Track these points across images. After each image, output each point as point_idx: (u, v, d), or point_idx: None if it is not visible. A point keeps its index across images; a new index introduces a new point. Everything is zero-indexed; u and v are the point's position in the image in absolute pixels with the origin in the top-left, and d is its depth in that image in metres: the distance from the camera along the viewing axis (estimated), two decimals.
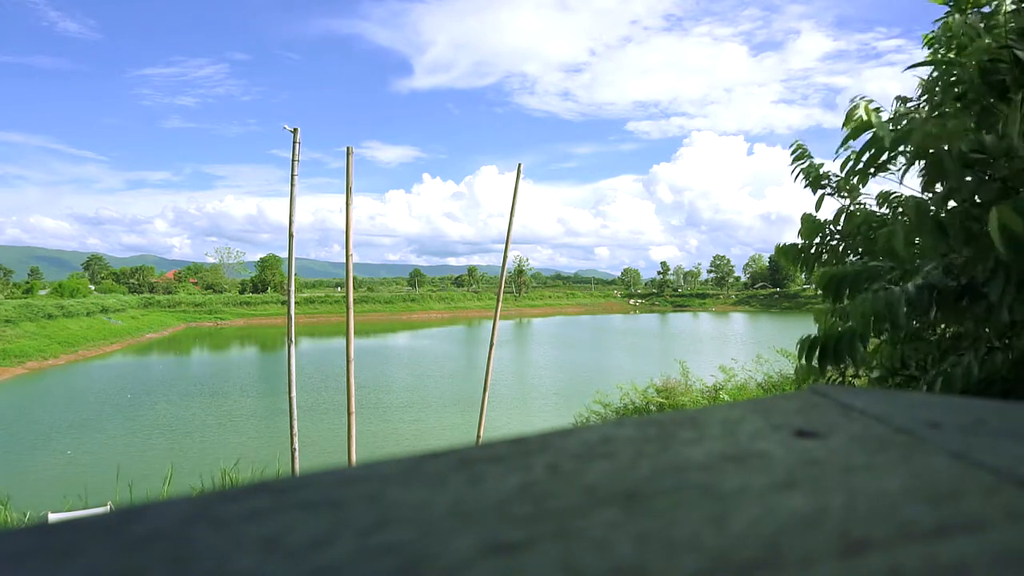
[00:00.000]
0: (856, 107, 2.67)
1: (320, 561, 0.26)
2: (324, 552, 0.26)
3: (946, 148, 2.32)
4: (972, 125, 2.47)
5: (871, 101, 2.66)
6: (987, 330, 2.51)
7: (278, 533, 0.28)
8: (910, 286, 2.41)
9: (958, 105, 2.52)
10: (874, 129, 2.52)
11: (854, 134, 2.67)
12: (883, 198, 3.11)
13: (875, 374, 3.06)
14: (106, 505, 9.34)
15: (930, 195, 2.68)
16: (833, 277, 2.78)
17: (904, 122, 2.53)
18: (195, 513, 0.30)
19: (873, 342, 2.98)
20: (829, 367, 2.67)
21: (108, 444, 17.70)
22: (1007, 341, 2.48)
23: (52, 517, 7.66)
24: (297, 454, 5.61)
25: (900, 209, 2.88)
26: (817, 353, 2.63)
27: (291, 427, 5.58)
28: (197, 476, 11.09)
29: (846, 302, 2.74)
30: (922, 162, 2.60)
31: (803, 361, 2.70)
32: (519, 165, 6.86)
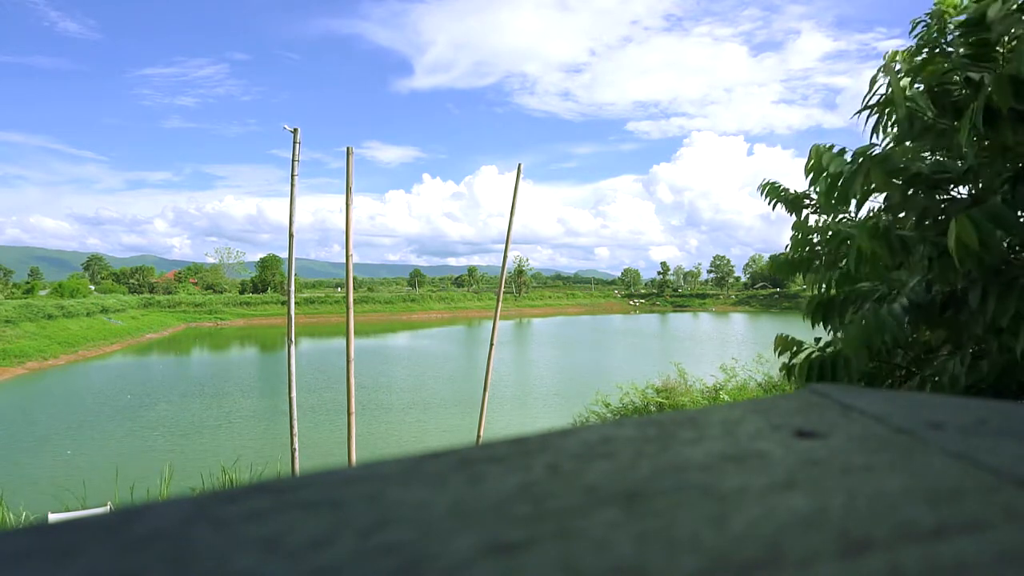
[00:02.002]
0: (814, 151, 2.82)
1: (320, 561, 0.26)
2: (324, 552, 0.26)
3: (901, 176, 2.42)
4: (927, 150, 2.58)
5: (832, 146, 2.79)
6: (967, 337, 2.57)
7: (278, 533, 0.28)
8: (896, 307, 2.49)
9: (902, 132, 2.64)
10: (829, 170, 2.67)
11: (814, 179, 2.82)
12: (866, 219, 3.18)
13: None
14: (106, 505, 9.34)
15: (891, 216, 2.80)
16: (820, 304, 2.86)
17: (858, 159, 2.63)
18: (195, 513, 0.30)
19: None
20: None
21: (108, 444, 17.71)
22: (982, 346, 2.54)
23: (52, 517, 7.66)
24: (297, 454, 5.60)
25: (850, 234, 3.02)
26: (816, 374, 2.76)
27: (291, 427, 5.57)
28: (197, 476, 11.09)
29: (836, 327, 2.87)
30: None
31: (795, 379, 2.84)
32: (519, 165, 6.85)
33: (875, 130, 2.72)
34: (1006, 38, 2.14)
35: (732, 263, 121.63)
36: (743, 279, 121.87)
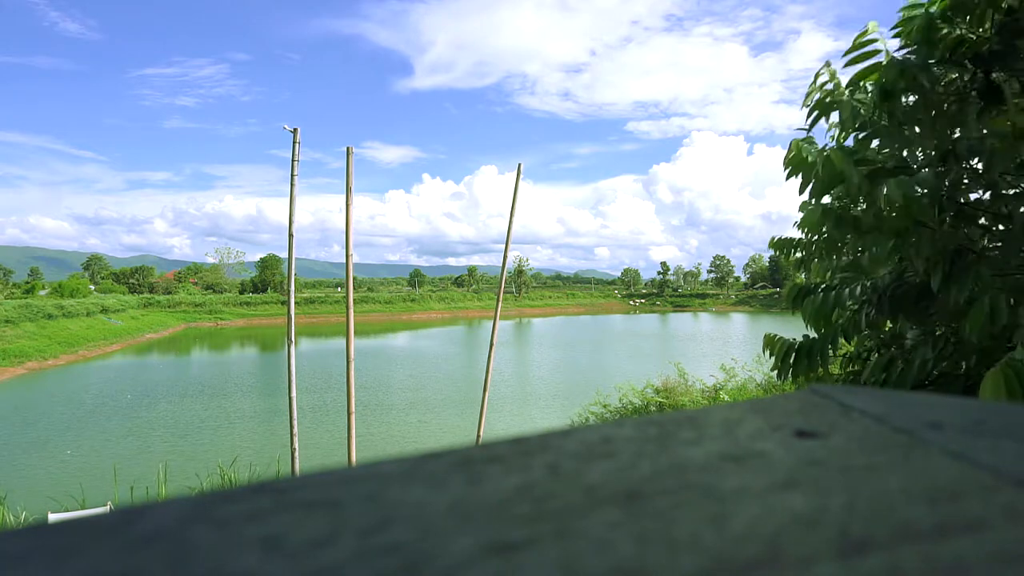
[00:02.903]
0: (792, 146, 3.03)
1: (320, 561, 0.26)
2: (324, 552, 0.26)
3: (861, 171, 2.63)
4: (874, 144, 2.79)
5: (810, 139, 2.98)
6: (938, 324, 2.71)
7: (278, 533, 0.28)
8: (858, 289, 2.70)
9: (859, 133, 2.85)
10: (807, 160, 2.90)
11: (794, 171, 2.98)
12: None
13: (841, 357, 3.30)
14: (106, 505, 9.33)
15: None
16: (802, 289, 3.00)
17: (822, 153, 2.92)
18: (195, 513, 0.30)
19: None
20: (802, 367, 2.96)
21: (108, 444, 17.70)
22: (953, 337, 2.64)
23: (52, 517, 7.65)
24: (297, 454, 5.60)
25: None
26: (792, 358, 2.93)
27: (291, 427, 5.57)
28: (197, 477, 11.09)
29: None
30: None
31: (777, 365, 3.00)
32: (519, 165, 6.85)
33: (813, 125, 2.95)
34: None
35: (732, 263, 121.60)
36: (743, 279, 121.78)
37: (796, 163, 2.86)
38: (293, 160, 5.58)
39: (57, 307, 46.64)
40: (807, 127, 2.91)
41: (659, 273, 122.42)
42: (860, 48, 2.69)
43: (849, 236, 2.67)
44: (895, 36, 2.66)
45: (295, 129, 5.66)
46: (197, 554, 0.26)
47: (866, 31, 2.71)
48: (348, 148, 5.61)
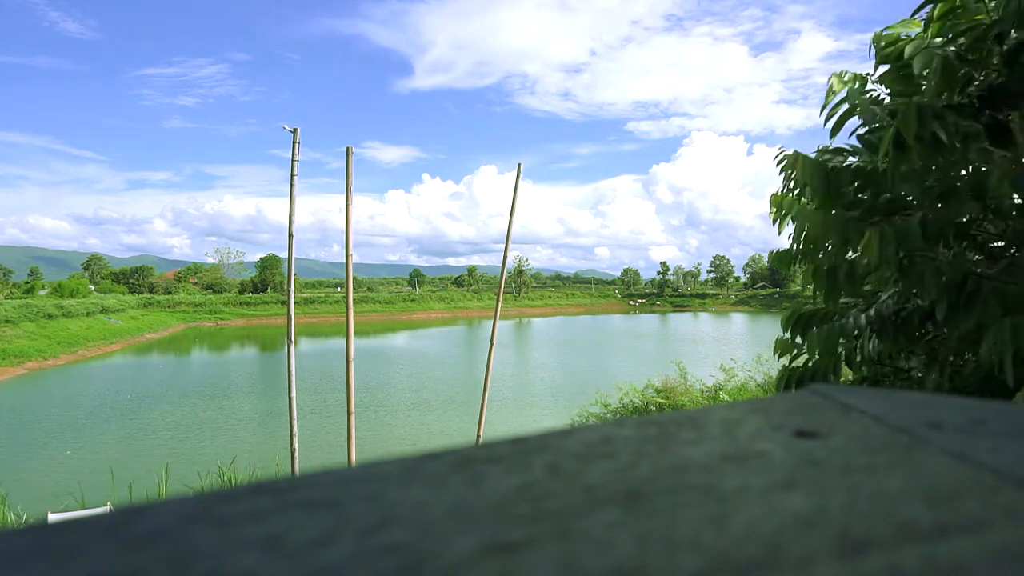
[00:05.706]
0: (772, 201, 3.14)
1: (320, 561, 0.26)
2: (324, 552, 0.26)
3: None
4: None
5: (795, 154, 3.00)
6: (943, 350, 2.70)
7: (278, 533, 0.28)
8: (863, 318, 2.68)
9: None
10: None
11: (782, 223, 3.13)
12: None
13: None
14: (106, 505, 9.33)
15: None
16: (801, 316, 2.97)
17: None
18: (195, 513, 0.30)
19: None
20: None
21: (108, 445, 17.70)
22: (966, 357, 2.64)
23: (52, 517, 7.65)
24: (297, 454, 5.60)
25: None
26: (794, 386, 2.89)
27: (291, 427, 5.57)
28: (197, 477, 11.08)
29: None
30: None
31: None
32: (519, 165, 6.85)
33: (835, 134, 2.93)
34: (926, 71, 2.33)
35: (732, 263, 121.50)
36: (743, 279, 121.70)
37: (782, 216, 2.94)
38: (293, 160, 5.58)
39: (57, 307, 46.62)
40: (829, 136, 2.90)
41: (659, 273, 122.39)
42: (886, 48, 2.67)
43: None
44: (884, 60, 2.65)
45: (295, 129, 5.66)
46: (197, 554, 0.26)
47: (879, 35, 2.68)
48: (348, 148, 5.61)
